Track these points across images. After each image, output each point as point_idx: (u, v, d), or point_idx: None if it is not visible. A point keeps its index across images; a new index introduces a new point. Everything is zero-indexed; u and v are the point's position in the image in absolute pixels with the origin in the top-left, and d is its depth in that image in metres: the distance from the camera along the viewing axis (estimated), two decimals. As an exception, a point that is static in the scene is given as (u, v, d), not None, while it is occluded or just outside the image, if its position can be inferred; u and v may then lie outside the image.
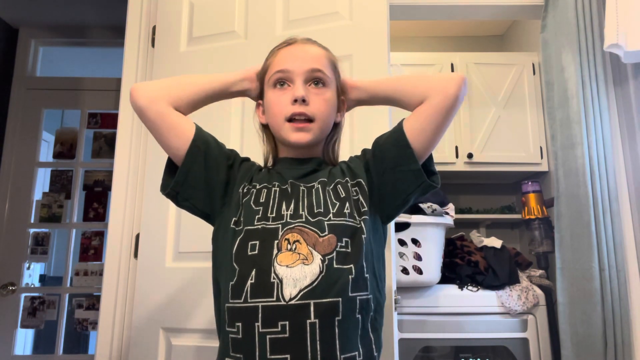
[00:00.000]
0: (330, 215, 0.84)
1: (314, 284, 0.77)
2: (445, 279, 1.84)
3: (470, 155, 2.28)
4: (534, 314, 1.76)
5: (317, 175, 0.92)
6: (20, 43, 2.62)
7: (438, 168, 0.92)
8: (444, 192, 1.82)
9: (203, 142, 0.91)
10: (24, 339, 2.47)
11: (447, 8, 1.95)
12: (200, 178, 0.90)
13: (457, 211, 2.19)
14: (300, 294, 0.76)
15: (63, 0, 2.43)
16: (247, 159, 0.99)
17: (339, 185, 0.90)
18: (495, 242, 1.94)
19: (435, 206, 1.72)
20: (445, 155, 2.29)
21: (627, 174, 1.72)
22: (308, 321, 0.75)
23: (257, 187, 0.90)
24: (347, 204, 0.86)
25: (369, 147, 0.96)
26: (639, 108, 1.70)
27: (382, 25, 1.40)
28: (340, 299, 0.77)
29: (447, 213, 1.79)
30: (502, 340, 1.74)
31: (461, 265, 1.85)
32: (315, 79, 0.91)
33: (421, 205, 1.71)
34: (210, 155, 0.91)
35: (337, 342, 0.76)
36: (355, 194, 0.89)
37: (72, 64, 2.92)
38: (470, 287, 1.79)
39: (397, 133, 0.88)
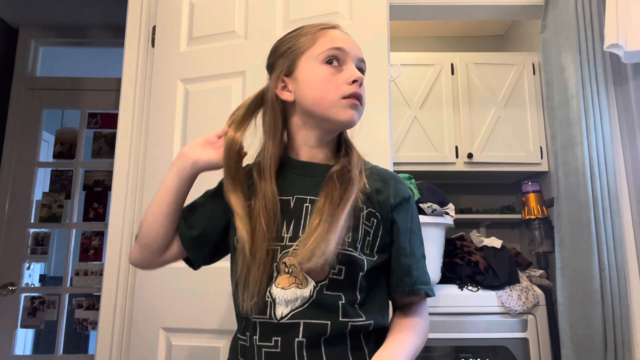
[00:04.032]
0: None
1: (305, 306, 0.80)
2: (445, 279, 1.83)
3: (470, 155, 2.28)
4: (534, 314, 1.76)
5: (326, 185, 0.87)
6: (20, 43, 2.62)
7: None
8: (444, 192, 1.82)
9: (191, 229, 0.93)
10: (24, 339, 2.47)
11: (447, 8, 1.95)
12: (213, 236, 0.94)
13: (457, 211, 2.19)
14: (291, 314, 0.79)
15: (63, 0, 2.43)
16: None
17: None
18: (495, 242, 1.94)
19: (435, 206, 1.72)
20: (445, 155, 2.29)
21: (627, 174, 1.72)
22: (296, 339, 0.78)
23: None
24: (352, 232, 0.82)
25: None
26: (639, 108, 1.70)
27: (382, 25, 1.40)
28: (329, 322, 0.79)
29: (447, 213, 1.78)
30: (502, 340, 1.74)
31: (461, 265, 1.85)
32: (360, 68, 0.89)
33: (421, 205, 1.71)
34: (207, 224, 0.94)
35: (325, 358, 0.78)
36: (367, 225, 0.85)
37: (72, 64, 2.92)
38: (470, 287, 1.79)
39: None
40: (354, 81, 0.85)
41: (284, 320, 0.79)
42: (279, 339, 0.79)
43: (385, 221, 0.86)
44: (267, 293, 0.81)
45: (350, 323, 0.80)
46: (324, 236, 0.77)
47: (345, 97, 0.85)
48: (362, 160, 0.92)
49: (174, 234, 0.93)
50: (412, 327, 0.84)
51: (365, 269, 0.82)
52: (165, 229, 0.91)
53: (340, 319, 0.80)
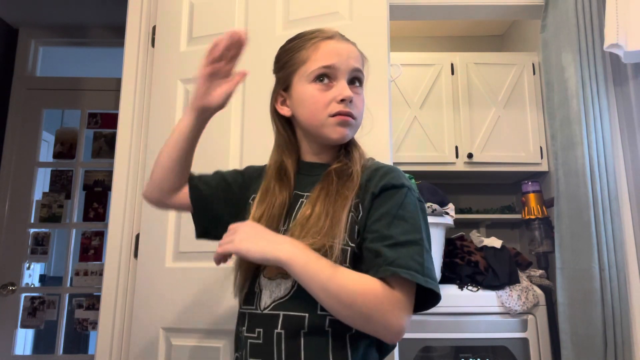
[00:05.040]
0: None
1: (286, 297, 0.81)
2: (445, 279, 1.84)
3: (470, 155, 2.28)
4: (534, 314, 1.76)
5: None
6: (20, 43, 2.62)
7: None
8: (443, 191, 1.82)
9: (202, 186, 0.99)
10: (24, 339, 2.47)
11: (447, 8, 1.95)
12: (220, 209, 0.98)
13: (457, 211, 2.19)
14: (273, 305, 0.81)
15: (63, 0, 2.43)
16: (248, 168, 1.03)
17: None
18: (495, 242, 1.94)
19: (435, 206, 1.72)
20: (445, 155, 2.29)
21: (627, 174, 1.72)
22: (275, 331, 0.80)
23: None
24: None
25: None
26: (639, 108, 1.70)
27: (382, 25, 1.40)
28: (307, 314, 0.79)
29: (447, 213, 1.79)
30: (502, 340, 1.74)
31: (461, 265, 1.85)
32: (355, 78, 0.90)
33: (421, 205, 1.71)
34: (217, 187, 0.99)
35: (302, 353, 0.78)
36: (354, 213, 0.82)
37: (72, 64, 2.92)
38: (470, 287, 1.79)
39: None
40: (343, 100, 0.85)
41: (266, 311, 0.82)
42: (261, 330, 0.81)
43: (366, 210, 0.82)
44: (257, 283, 0.85)
45: (328, 317, 0.78)
46: (318, 229, 0.78)
47: (332, 116, 0.86)
48: (364, 157, 0.91)
49: (184, 178, 0.99)
50: (359, 276, 0.76)
51: (348, 258, 0.79)
52: (175, 171, 0.97)
53: (318, 312, 0.78)
